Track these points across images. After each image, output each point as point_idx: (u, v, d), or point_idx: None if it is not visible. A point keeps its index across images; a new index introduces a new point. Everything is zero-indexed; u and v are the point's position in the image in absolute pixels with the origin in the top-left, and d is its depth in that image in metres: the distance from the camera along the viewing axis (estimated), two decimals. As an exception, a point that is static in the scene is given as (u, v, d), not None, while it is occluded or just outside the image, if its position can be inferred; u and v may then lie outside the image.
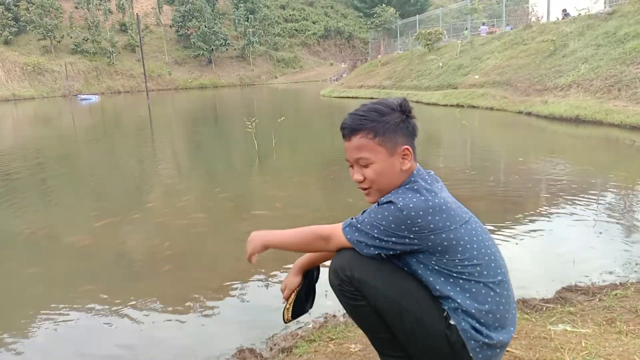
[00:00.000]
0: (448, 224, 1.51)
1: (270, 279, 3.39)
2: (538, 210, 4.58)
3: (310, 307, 1.88)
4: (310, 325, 2.66)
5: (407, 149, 1.60)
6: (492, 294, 1.53)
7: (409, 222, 1.48)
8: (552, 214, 4.48)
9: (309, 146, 10.44)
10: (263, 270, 3.52)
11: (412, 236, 1.49)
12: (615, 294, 2.62)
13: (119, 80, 61.77)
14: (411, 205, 1.49)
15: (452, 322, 1.52)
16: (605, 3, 18.75)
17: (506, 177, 6.41)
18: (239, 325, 2.84)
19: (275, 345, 2.49)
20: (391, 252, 1.54)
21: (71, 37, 62.05)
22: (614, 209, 4.59)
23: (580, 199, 4.86)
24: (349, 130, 1.61)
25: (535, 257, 3.60)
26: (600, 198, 4.91)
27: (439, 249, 1.50)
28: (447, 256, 1.51)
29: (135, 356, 2.62)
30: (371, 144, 1.58)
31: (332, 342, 2.36)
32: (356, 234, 1.56)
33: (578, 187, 5.37)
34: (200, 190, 6.61)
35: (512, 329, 1.57)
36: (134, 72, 61.91)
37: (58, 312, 3.09)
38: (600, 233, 3.97)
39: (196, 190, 6.61)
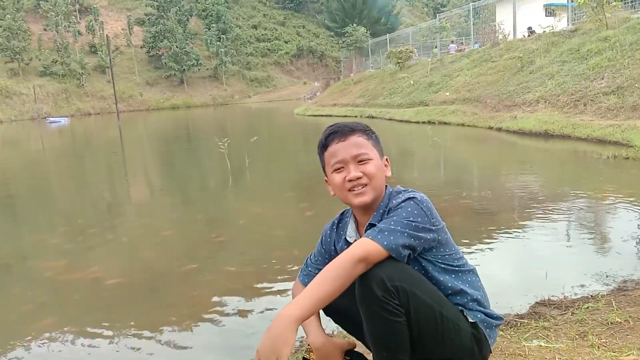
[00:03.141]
0: (441, 219, 1.63)
1: (248, 302, 3.33)
2: (510, 225, 4.63)
3: None
4: (297, 345, 2.61)
5: (387, 158, 1.71)
6: (477, 279, 1.69)
7: (429, 212, 1.56)
8: (524, 228, 4.54)
9: (282, 165, 10.42)
10: (241, 290, 3.47)
11: (433, 228, 1.56)
12: (587, 307, 2.65)
13: (89, 102, 60.88)
14: (426, 198, 1.58)
15: (470, 319, 1.59)
16: (568, 21, 19.36)
17: (479, 192, 6.48)
18: (215, 351, 2.78)
19: (251, 370, 2.44)
20: (418, 250, 1.57)
21: (40, 60, 61.09)
22: (584, 222, 4.67)
23: (551, 212, 4.94)
24: (345, 131, 1.64)
25: (508, 271, 3.63)
26: (570, 211, 5.00)
27: (443, 242, 1.60)
28: (447, 250, 1.61)
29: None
30: (368, 143, 1.65)
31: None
32: (391, 237, 1.49)
33: (549, 200, 5.47)
34: (173, 211, 6.52)
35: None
36: (105, 94, 61.11)
37: (23, 343, 2.98)
38: (571, 246, 4.04)
39: (169, 212, 6.52)
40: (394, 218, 1.52)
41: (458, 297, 1.59)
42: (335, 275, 1.44)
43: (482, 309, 1.62)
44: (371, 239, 1.48)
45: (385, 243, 1.47)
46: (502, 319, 1.67)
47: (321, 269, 1.49)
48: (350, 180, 1.60)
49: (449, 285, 1.58)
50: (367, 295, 1.47)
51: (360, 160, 1.60)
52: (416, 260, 1.57)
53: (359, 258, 1.45)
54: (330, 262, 1.48)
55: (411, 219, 1.51)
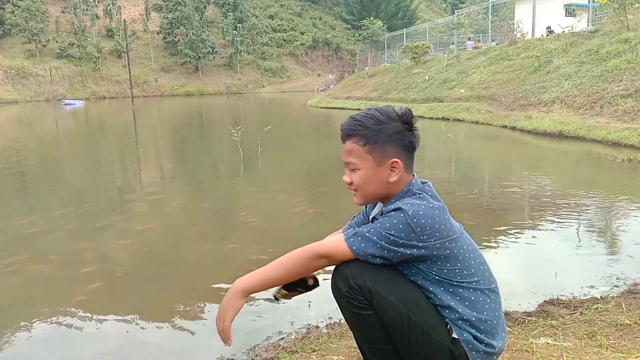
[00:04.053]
0: (451, 232, 1.52)
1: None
2: (521, 223, 4.61)
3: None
4: (293, 337, 2.63)
5: (396, 161, 1.59)
6: (488, 301, 1.55)
7: (418, 229, 1.46)
8: (535, 227, 4.52)
9: (294, 156, 10.43)
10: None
11: (420, 244, 1.47)
12: (596, 308, 2.64)
13: (104, 86, 61.32)
14: (421, 212, 1.48)
15: (454, 335, 1.51)
16: (588, 21, 19.12)
17: (490, 189, 6.45)
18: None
19: (256, 356, 2.46)
20: (394, 261, 1.51)
21: (57, 42, 61.59)
22: (595, 224, 4.64)
23: (563, 213, 4.90)
24: (343, 134, 1.63)
25: (518, 269, 3.62)
26: (582, 213, 4.96)
27: (442, 257, 1.50)
28: (448, 265, 1.51)
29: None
30: (360, 150, 1.58)
31: (315, 353, 2.34)
32: (363, 244, 1.48)
33: (561, 201, 5.43)
34: (184, 198, 6.56)
35: (504, 334, 1.61)
36: (120, 78, 61.55)
37: (38, 321, 3.03)
38: (582, 247, 4.01)
39: (180, 198, 6.56)
40: (377, 225, 1.49)
41: (447, 311, 1.53)
42: (293, 263, 1.53)
43: (472, 330, 1.52)
44: (344, 239, 1.51)
45: (354, 248, 1.49)
46: (495, 347, 1.54)
47: None
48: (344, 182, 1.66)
49: (438, 297, 1.52)
50: (335, 289, 1.54)
51: (351, 169, 1.62)
52: (407, 265, 1.53)
53: (321, 254, 1.51)
54: (296, 249, 1.55)
55: (392, 232, 1.46)
